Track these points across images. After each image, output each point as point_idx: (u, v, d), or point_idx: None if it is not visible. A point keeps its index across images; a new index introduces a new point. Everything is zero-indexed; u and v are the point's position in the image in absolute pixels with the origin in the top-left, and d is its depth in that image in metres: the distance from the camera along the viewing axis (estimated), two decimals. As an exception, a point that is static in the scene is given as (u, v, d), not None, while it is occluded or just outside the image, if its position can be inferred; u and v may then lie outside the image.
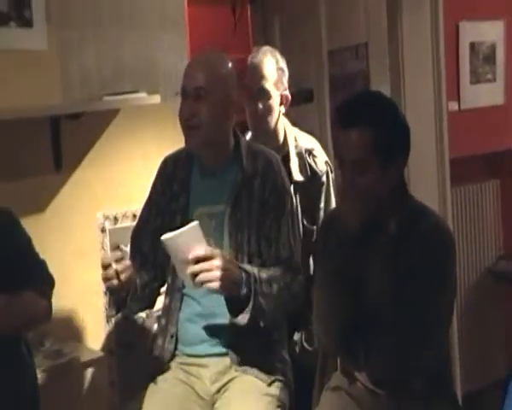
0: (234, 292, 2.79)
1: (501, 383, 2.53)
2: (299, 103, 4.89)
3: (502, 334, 5.71)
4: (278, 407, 2.98)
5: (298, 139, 3.85)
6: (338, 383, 2.97)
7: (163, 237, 2.67)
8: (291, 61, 4.89)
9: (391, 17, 4.58)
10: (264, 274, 2.89)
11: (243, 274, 2.80)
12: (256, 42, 5.12)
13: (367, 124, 2.63)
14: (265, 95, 3.70)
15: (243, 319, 2.81)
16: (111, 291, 2.92)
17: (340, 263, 2.73)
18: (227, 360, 3.04)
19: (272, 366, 3.07)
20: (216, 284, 2.67)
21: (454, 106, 5.25)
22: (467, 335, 4.45)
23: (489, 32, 5.65)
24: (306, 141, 3.87)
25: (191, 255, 2.65)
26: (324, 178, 3.78)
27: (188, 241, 2.69)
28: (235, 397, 2.95)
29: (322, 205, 3.72)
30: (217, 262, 2.67)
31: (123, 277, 2.74)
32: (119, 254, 2.78)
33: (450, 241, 2.77)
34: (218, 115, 3.00)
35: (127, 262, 2.78)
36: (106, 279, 2.77)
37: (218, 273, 2.66)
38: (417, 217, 2.78)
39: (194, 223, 2.72)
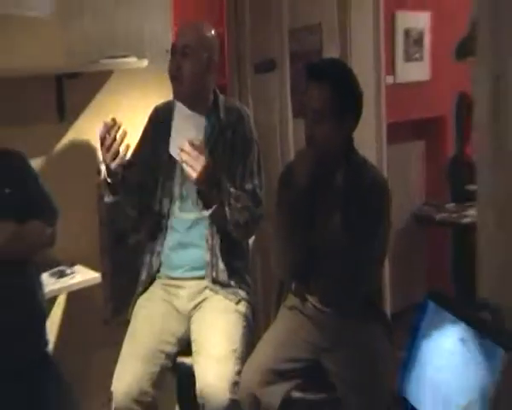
0: (205, 189, 2.84)
1: (417, 305, 2.53)
2: (263, 71, 4.81)
3: (423, 265, 5.85)
4: (244, 321, 2.98)
5: None
6: (293, 303, 2.96)
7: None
8: (258, 35, 4.85)
9: (341, 4, 4.45)
10: (233, 190, 2.90)
11: (218, 177, 2.85)
12: (229, 18, 4.99)
13: (328, 82, 2.69)
14: None
15: (208, 211, 2.87)
16: (107, 173, 2.87)
17: (296, 205, 2.73)
18: (202, 283, 3.03)
19: (238, 289, 3.03)
20: (194, 175, 2.74)
21: (390, 80, 5.26)
22: (395, 267, 4.38)
23: (418, 20, 5.74)
24: None
25: (192, 138, 2.75)
26: None
27: (195, 124, 2.81)
28: (209, 313, 2.97)
29: None
30: (202, 159, 2.72)
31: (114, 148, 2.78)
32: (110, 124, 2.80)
33: (386, 187, 2.81)
34: (201, 71, 2.99)
35: (122, 132, 2.80)
36: (104, 153, 2.81)
37: (199, 167, 2.71)
38: (360, 168, 2.83)
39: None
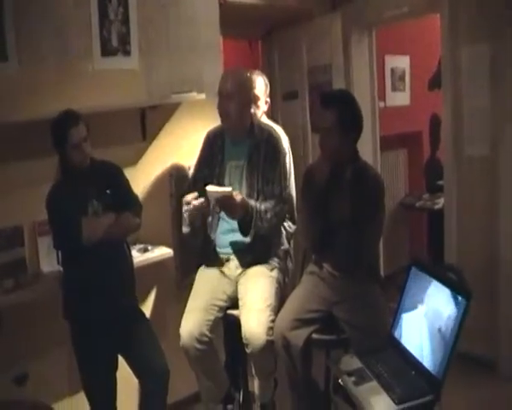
0: (243, 217, 2.80)
1: (403, 269, 2.61)
2: (289, 99, 4.88)
3: (407, 240, 5.86)
4: (276, 283, 2.94)
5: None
6: (312, 269, 2.91)
7: (208, 188, 2.71)
8: (285, 74, 4.87)
9: (346, 50, 4.51)
10: (262, 206, 2.85)
11: (250, 207, 2.80)
12: (264, 63, 4.99)
13: (335, 107, 2.68)
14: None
15: (248, 238, 2.86)
16: (189, 216, 2.86)
17: (315, 197, 2.74)
18: (245, 258, 2.98)
19: (272, 259, 2.99)
20: (234, 216, 2.80)
21: (382, 104, 5.27)
22: (387, 241, 4.34)
23: (401, 62, 5.76)
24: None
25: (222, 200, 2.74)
26: None
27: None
28: (250, 277, 2.93)
29: None
30: (234, 203, 2.73)
31: (197, 208, 2.77)
32: (195, 194, 2.77)
33: (382, 185, 2.77)
34: (240, 108, 2.90)
35: (201, 200, 2.76)
36: (186, 211, 2.83)
37: (232, 210, 2.76)
38: (363, 169, 2.80)
39: (229, 188, 2.77)
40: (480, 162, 3.74)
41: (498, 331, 3.68)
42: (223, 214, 2.92)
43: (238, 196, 2.74)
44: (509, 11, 3.46)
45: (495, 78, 3.60)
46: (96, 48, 3.18)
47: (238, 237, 2.90)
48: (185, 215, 2.86)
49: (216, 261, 3.01)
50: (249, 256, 2.94)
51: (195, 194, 2.75)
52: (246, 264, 2.95)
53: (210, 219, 3.01)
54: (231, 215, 2.80)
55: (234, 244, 2.97)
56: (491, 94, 3.64)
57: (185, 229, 2.91)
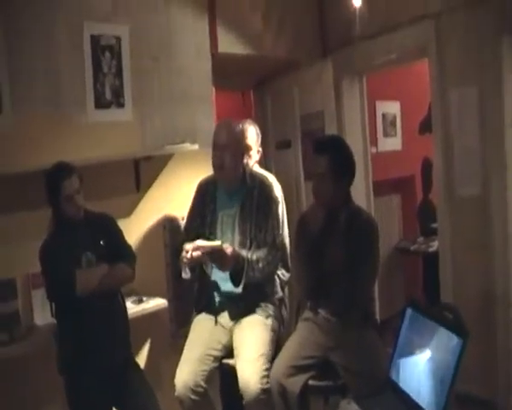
0: (234, 268, 2.78)
1: (399, 313, 2.52)
2: (282, 148, 4.86)
3: (402, 284, 5.83)
4: (271, 331, 2.91)
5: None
6: (307, 315, 2.89)
7: (197, 242, 2.72)
8: (277, 123, 4.88)
9: (337, 96, 4.52)
10: (254, 256, 2.84)
11: (241, 258, 2.78)
12: (256, 113, 5.02)
13: (328, 153, 2.70)
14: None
15: (239, 288, 2.82)
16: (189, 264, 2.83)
17: (309, 244, 2.73)
18: (237, 307, 2.96)
19: (267, 307, 2.97)
20: (224, 268, 2.78)
21: (374, 150, 5.30)
22: (382, 286, 4.32)
23: (392, 107, 5.83)
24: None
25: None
26: None
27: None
28: (245, 326, 2.91)
29: None
30: (224, 255, 2.72)
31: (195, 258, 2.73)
32: (194, 245, 2.73)
33: (376, 228, 2.75)
34: (235, 159, 2.94)
35: (200, 252, 2.71)
36: (185, 257, 2.76)
37: (223, 262, 2.75)
38: (357, 214, 2.80)
39: (218, 242, 2.76)
40: (472, 202, 3.74)
41: (495, 371, 3.62)
42: (214, 277, 2.94)
43: (228, 249, 2.73)
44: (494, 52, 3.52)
45: (483, 118, 3.64)
46: (90, 100, 3.23)
47: (229, 288, 2.89)
48: (184, 261, 2.82)
49: (212, 307, 3.00)
50: (242, 305, 2.92)
51: (195, 245, 2.73)
52: (238, 314, 2.93)
53: (203, 270, 3.00)
54: (221, 268, 2.79)
55: (227, 294, 2.95)
56: (480, 134, 3.66)
57: (185, 275, 2.89)
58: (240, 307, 2.92)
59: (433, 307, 2.52)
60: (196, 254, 2.69)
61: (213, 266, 2.93)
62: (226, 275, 2.87)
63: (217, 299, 2.99)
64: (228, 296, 2.95)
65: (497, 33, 3.50)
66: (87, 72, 3.22)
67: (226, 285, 2.92)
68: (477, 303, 3.63)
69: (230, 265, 2.75)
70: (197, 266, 2.87)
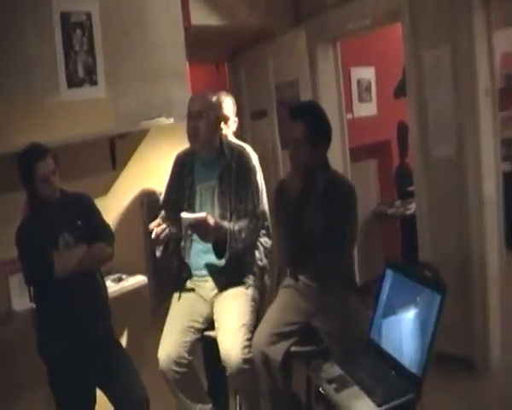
0: (217, 240, 2.74)
1: (379, 276, 2.55)
2: (258, 118, 4.85)
3: (380, 246, 5.84)
4: (252, 301, 2.90)
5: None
6: (288, 282, 2.90)
7: (181, 215, 2.67)
8: (252, 93, 4.84)
9: (311, 64, 4.51)
10: (236, 226, 2.80)
11: (223, 230, 2.74)
12: (231, 85, 4.96)
13: (304, 118, 2.68)
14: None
15: (223, 260, 2.79)
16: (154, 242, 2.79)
17: (288, 210, 2.72)
18: (220, 279, 2.94)
19: (247, 277, 2.95)
20: (207, 239, 2.74)
21: (349, 116, 5.26)
22: (361, 250, 4.36)
23: (366, 73, 5.77)
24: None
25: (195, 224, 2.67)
26: None
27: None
28: (225, 298, 2.89)
29: None
30: (208, 226, 2.67)
31: (161, 236, 2.70)
32: (157, 221, 2.73)
33: (353, 192, 2.74)
34: (211, 127, 2.88)
35: (163, 226, 2.71)
36: (151, 239, 2.74)
37: (207, 233, 2.70)
38: (334, 178, 2.79)
39: (202, 214, 2.70)
40: (447, 163, 3.75)
41: (472, 329, 3.68)
42: (196, 237, 2.87)
43: (211, 220, 2.69)
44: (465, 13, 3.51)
45: (457, 79, 3.63)
46: (62, 80, 3.16)
47: (212, 258, 2.86)
48: (154, 241, 2.79)
49: (191, 284, 2.98)
50: (224, 278, 2.90)
51: (157, 221, 2.71)
52: (221, 286, 2.91)
53: (183, 243, 2.97)
54: (205, 239, 2.75)
55: (208, 266, 2.93)
56: (453, 95, 3.67)
57: (158, 253, 2.86)
58: (221, 280, 2.90)
59: (412, 267, 2.55)
60: (160, 228, 2.68)
61: (192, 240, 2.92)
62: (206, 247, 2.85)
63: (196, 273, 2.97)
64: (209, 269, 2.93)
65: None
66: (58, 51, 3.14)
67: (207, 258, 2.90)
68: (454, 263, 3.67)
69: (213, 236, 2.71)
70: (169, 243, 2.84)
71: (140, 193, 3.46)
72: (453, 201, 3.74)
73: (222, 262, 2.81)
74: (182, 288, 2.98)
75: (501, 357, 3.73)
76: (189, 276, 2.99)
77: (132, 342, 3.34)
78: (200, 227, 2.67)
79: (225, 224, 2.78)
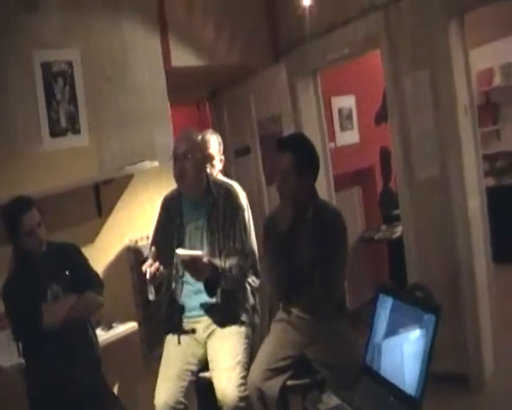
0: (209, 278, 2.68)
1: (369, 301, 2.48)
2: (241, 155, 4.84)
3: (367, 272, 5.78)
4: (245, 338, 2.85)
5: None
6: (281, 316, 2.83)
7: (177, 251, 2.64)
8: (235, 130, 4.84)
9: (292, 97, 4.51)
10: (227, 264, 2.76)
11: (215, 267, 2.70)
12: (213, 123, 4.96)
13: (291, 149, 2.66)
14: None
15: (217, 298, 2.76)
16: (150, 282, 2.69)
17: (278, 243, 2.67)
18: (213, 317, 2.88)
19: (240, 315, 2.90)
20: (200, 277, 2.67)
21: (332, 145, 5.25)
22: (349, 277, 4.31)
23: (347, 101, 5.77)
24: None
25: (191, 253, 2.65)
26: None
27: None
28: (218, 337, 2.84)
29: None
30: (201, 266, 2.62)
31: (157, 274, 2.62)
32: (149, 262, 2.62)
33: (342, 220, 2.71)
34: (198, 167, 2.84)
35: (156, 264, 2.61)
36: (146, 278, 2.62)
37: (199, 272, 2.64)
38: (323, 208, 2.76)
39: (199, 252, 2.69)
40: (431, 184, 3.74)
41: (465, 345, 3.64)
42: (187, 277, 2.83)
43: (205, 258, 2.66)
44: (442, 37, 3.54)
45: (437, 100, 3.64)
46: (45, 130, 3.16)
47: (204, 297, 2.81)
48: (148, 282, 2.73)
49: (180, 328, 2.91)
50: (219, 316, 2.85)
51: (149, 262, 2.63)
52: (217, 323, 2.86)
53: (174, 284, 2.91)
54: (198, 277, 2.70)
55: (203, 305, 2.87)
56: (434, 117, 3.67)
57: (151, 296, 2.79)
58: (215, 318, 2.85)
59: (404, 289, 2.50)
60: (154, 268, 2.59)
61: (183, 281, 2.87)
62: (197, 288, 2.81)
63: (189, 315, 2.91)
64: (202, 309, 2.87)
65: (443, 15, 3.51)
66: (40, 101, 3.14)
67: (199, 297, 2.85)
68: (443, 282, 3.64)
69: (206, 274, 2.66)
70: (161, 285, 2.80)
71: (127, 239, 3.43)
72: (439, 220, 3.72)
73: (215, 300, 2.76)
74: (180, 330, 2.90)
75: (495, 371, 3.70)
76: (180, 318, 2.92)
77: (125, 390, 3.27)
78: (194, 265, 2.63)
79: (217, 261, 2.74)
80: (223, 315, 2.84)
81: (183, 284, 2.90)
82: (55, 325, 2.44)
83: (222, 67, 4.39)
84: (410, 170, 3.85)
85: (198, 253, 2.64)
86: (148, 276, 2.61)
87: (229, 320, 2.84)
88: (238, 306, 2.90)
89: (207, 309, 2.86)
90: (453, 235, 3.64)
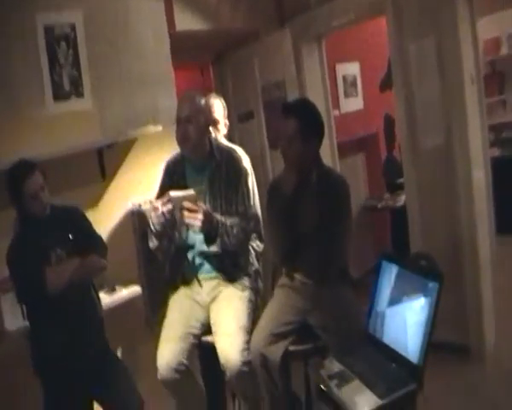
0: (208, 230, 2.66)
1: (371, 269, 2.57)
2: (245, 120, 4.81)
3: (370, 240, 5.78)
4: (249, 303, 2.84)
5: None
6: (283, 282, 2.83)
7: (171, 193, 2.56)
8: (238, 95, 4.82)
9: (297, 63, 4.46)
10: (228, 221, 2.73)
11: (215, 220, 2.67)
12: (217, 87, 4.95)
13: (296, 115, 2.62)
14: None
15: (214, 248, 2.73)
16: (157, 227, 2.68)
17: (282, 208, 2.64)
18: (215, 281, 2.87)
19: (243, 279, 2.89)
20: (198, 224, 2.59)
21: (336, 112, 5.22)
22: (352, 244, 4.34)
23: (351, 68, 5.72)
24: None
25: (185, 205, 2.57)
26: None
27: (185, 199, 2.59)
28: (221, 302, 2.83)
29: None
30: (200, 213, 2.58)
31: (165, 215, 2.60)
32: (164, 199, 2.59)
33: (347, 188, 2.69)
34: (201, 131, 2.79)
35: (170, 206, 2.58)
36: (155, 217, 2.62)
37: (199, 217, 2.58)
38: (327, 174, 2.73)
39: (191, 191, 2.63)
40: (436, 153, 3.72)
41: (467, 315, 3.66)
42: (190, 240, 2.83)
43: (203, 205, 2.65)
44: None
45: (442, 69, 3.60)
46: (49, 94, 3.14)
47: (208, 259, 2.82)
48: (152, 228, 2.71)
49: (186, 290, 2.91)
50: (221, 272, 2.85)
51: (165, 199, 2.59)
52: (220, 279, 2.86)
53: (177, 234, 2.87)
54: (193, 221, 2.62)
55: (205, 258, 2.86)
56: (440, 85, 3.63)
57: (152, 244, 2.79)
58: (219, 275, 2.86)
59: (408, 257, 2.50)
60: (167, 208, 2.57)
61: (187, 244, 2.86)
62: (199, 249, 2.82)
63: (192, 275, 2.91)
64: (205, 268, 2.87)
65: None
66: (43, 65, 3.12)
67: (201, 260, 2.86)
68: (446, 252, 3.63)
69: (205, 224, 2.62)
70: (165, 234, 2.75)
71: (130, 203, 3.42)
72: (443, 190, 3.71)
73: (214, 249, 2.73)
74: (178, 285, 2.91)
75: (496, 343, 3.70)
76: (184, 280, 2.92)
77: (128, 353, 3.29)
78: (189, 207, 2.59)
79: (217, 216, 2.72)
80: (224, 276, 2.85)
81: (187, 247, 2.89)
82: (58, 287, 2.44)
83: (226, 30, 4.35)
84: (414, 138, 3.82)
85: (190, 192, 2.61)
86: (159, 211, 2.58)
87: (231, 280, 2.85)
88: (240, 270, 2.90)
89: (209, 258, 2.85)
90: (457, 205, 3.63)
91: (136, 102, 3.47)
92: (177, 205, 2.58)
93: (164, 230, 2.71)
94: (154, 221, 2.66)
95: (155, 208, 2.60)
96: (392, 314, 2.30)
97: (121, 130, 3.31)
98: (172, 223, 2.72)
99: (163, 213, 2.58)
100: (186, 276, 2.91)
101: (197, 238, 2.82)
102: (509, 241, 5.01)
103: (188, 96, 2.89)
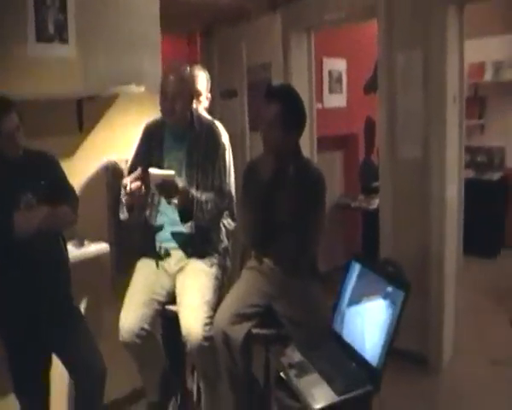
0: (183, 205, 2.68)
1: (341, 267, 2.59)
2: (228, 97, 4.83)
3: (341, 238, 5.91)
4: (215, 279, 2.86)
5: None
6: (252, 264, 2.84)
7: (151, 170, 2.55)
8: (223, 71, 4.86)
9: (285, 50, 4.51)
10: (203, 196, 2.73)
11: (191, 196, 2.68)
12: (203, 60, 4.96)
13: (280, 100, 2.61)
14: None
15: (188, 227, 2.78)
16: (126, 201, 2.69)
17: (258, 193, 2.66)
18: (185, 250, 2.88)
19: (211, 255, 2.90)
20: (171, 198, 2.65)
21: (319, 106, 5.27)
22: (322, 238, 4.39)
23: (338, 64, 5.79)
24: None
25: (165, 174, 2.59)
26: None
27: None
28: (188, 274, 2.84)
29: None
30: (175, 189, 2.61)
31: (136, 193, 2.59)
32: (132, 176, 2.59)
33: (324, 181, 2.71)
34: (185, 104, 2.79)
35: (139, 183, 2.57)
36: (123, 192, 2.65)
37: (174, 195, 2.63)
38: (306, 166, 2.75)
39: (171, 171, 2.61)
40: (413, 164, 3.79)
41: (428, 327, 3.75)
42: (162, 207, 2.81)
43: (180, 183, 2.64)
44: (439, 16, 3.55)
45: (427, 83, 3.67)
46: (31, 33, 2.99)
47: (177, 229, 2.80)
48: (123, 200, 2.70)
49: (155, 254, 2.90)
50: (190, 248, 2.84)
51: (134, 175, 2.58)
52: (187, 255, 2.86)
53: (148, 212, 2.88)
54: (169, 198, 2.67)
55: (174, 236, 2.86)
56: (423, 98, 3.70)
57: (122, 215, 2.75)
58: (186, 251, 2.85)
59: (377, 262, 2.53)
60: (135, 185, 2.55)
61: (158, 210, 2.85)
62: (171, 219, 2.81)
63: (161, 245, 2.90)
64: (175, 240, 2.87)
65: (444, 0, 3.54)
66: (28, 3, 2.99)
67: (172, 229, 2.84)
68: (413, 261, 3.71)
69: (181, 199, 2.64)
70: (136, 205, 2.73)
71: (106, 159, 3.34)
72: (417, 200, 3.78)
73: (186, 227, 2.76)
74: (155, 254, 2.91)
75: (453, 357, 3.83)
76: (152, 249, 2.90)
77: (91, 310, 3.23)
78: (167, 186, 2.58)
79: (193, 191, 2.71)
80: (193, 250, 2.84)
81: (157, 213, 2.88)
82: (25, 234, 2.35)
83: (216, 3, 4.31)
84: (393, 146, 3.88)
85: (171, 172, 2.59)
86: (127, 189, 2.56)
87: (200, 255, 2.84)
88: (210, 246, 2.90)
89: (179, 240, 2.85)
90: (428, 218, 3.71)
91: (121, 59, 3.38)
92: (154, 181, 2.57)
93: (133, 206, 2.71)
94: (123, 198, 2.66)
95: (125, 185, 2.58)
96: (358, 315, 2.33)
97: (103, 84, 3.22)
98: (144, 199, 2.74)
99: (131, 189, 2.57)
100: (155, 244, 2.90)
101: (169, 212, 2.81)
102: (473, 261, 5.18)
103: (174, 69, 2.84)
